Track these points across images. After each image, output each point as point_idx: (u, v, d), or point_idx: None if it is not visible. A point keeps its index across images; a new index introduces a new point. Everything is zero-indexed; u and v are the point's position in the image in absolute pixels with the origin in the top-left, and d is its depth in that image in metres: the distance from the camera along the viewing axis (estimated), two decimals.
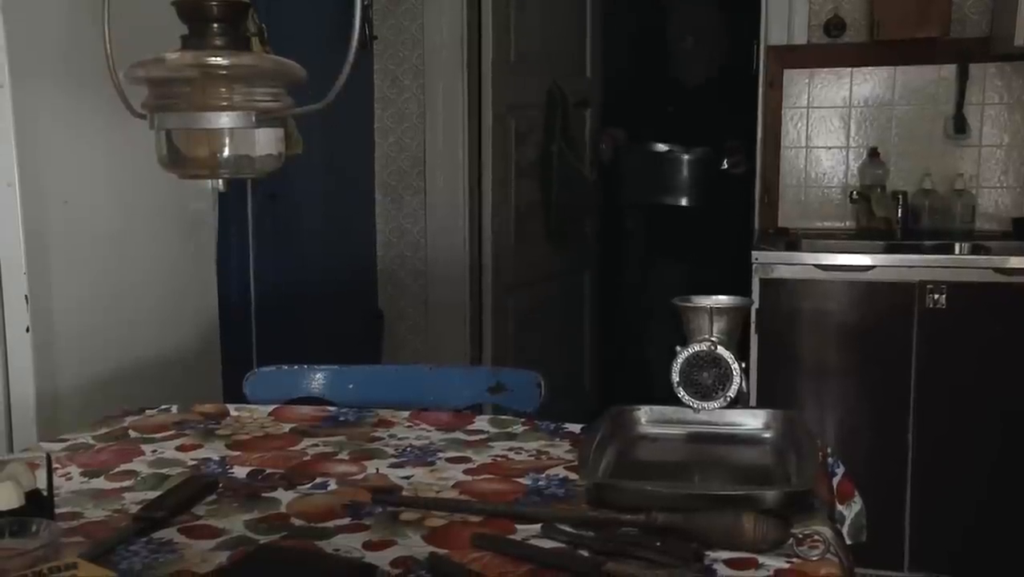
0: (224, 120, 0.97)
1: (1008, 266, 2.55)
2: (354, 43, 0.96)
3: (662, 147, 3.67)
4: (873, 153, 3.13)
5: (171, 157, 1.01)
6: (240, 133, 0.99)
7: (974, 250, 2.83)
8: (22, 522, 0.93)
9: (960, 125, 3.05)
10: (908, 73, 3.12)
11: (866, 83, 3.16)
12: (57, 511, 1.09)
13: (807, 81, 3.20)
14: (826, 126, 3.20)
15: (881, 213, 3.07)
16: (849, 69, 3.16)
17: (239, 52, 0.98)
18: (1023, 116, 3.05)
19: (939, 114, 3.10)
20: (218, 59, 0.97)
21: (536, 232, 3.69)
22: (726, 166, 3.42)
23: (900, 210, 3.03)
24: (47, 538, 0.91)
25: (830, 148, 3.21)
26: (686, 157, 3.60)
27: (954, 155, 3.10)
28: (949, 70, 3.06)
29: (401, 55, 3.46)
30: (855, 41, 3.13)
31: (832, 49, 3.15)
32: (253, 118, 0.97)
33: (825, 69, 3.18)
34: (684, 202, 3.62)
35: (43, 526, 0.93)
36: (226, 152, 0.99)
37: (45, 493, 1.05)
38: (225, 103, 0.97)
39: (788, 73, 3.20)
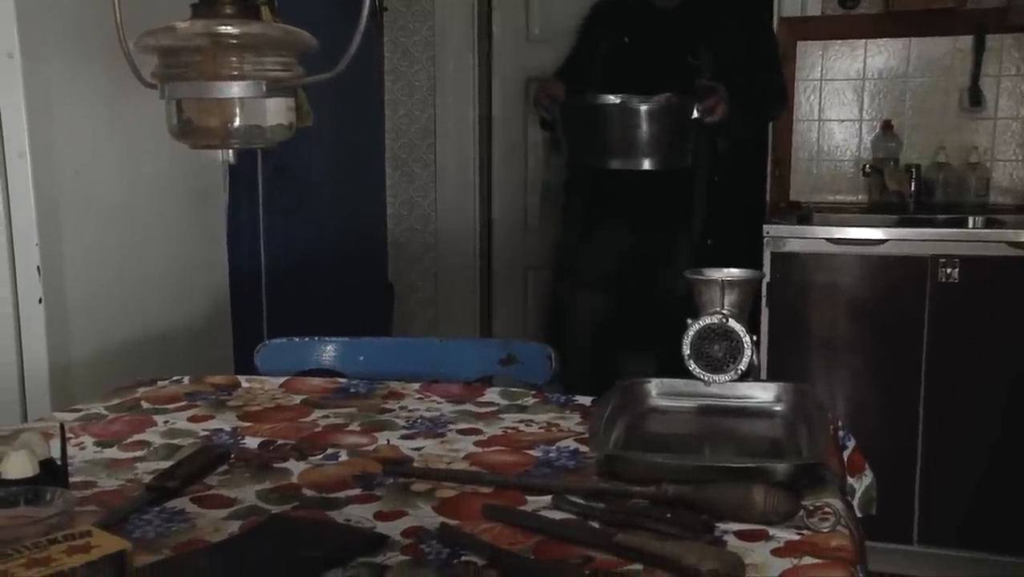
0: (235, 89, 0.96)
1: (1022, 240, 2.53)
2: (365, 12, 0.95)
3: (612, 99, 2.73)
4: (886, 126, 3.10)
5: (182, 127, 1.00)
6: (251, 103, 0.98)
7: (988, 224, 2.81)
8: (37, 490, 0.94)
9: (975, 97, 3.02)
10: (923, 44, 3.08)
11: (880, 55, 3.12)
12: (71, 480, 1.09)
13: (820, 53, 3.17)
14: (839, 99, 3.17)
15: (894, 187, 3.05)
16: (863, 41, 3.12)
17: (249, 21, 0.97)
18: None
19: (954, 86, 3.06)
20: (228, 28, 0.96)
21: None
22: (697, 114, 2.57)
23: (913, 184, 3.01)
24: (61, 506, 0.91)
25: (843, 121, 3.19)
26: (643, 108, 2.59)
27: (969, 128, 3.07)
28: (965, 41, 3.02)
29: (412, 26, 3.44)
30: (870, 12, 3.10)
31: (846, 20, 3.12)
32: (264, 87, 0.96)
33: (839, 41, 3.15)
34: (647, 165, 2.64)
35: (57, 494, 0.93)
36: (237, 122, 0.98)
37: (59, 462, 1.06)
38: (236, 72, 0.96)
39: (801, 45, 3.17)
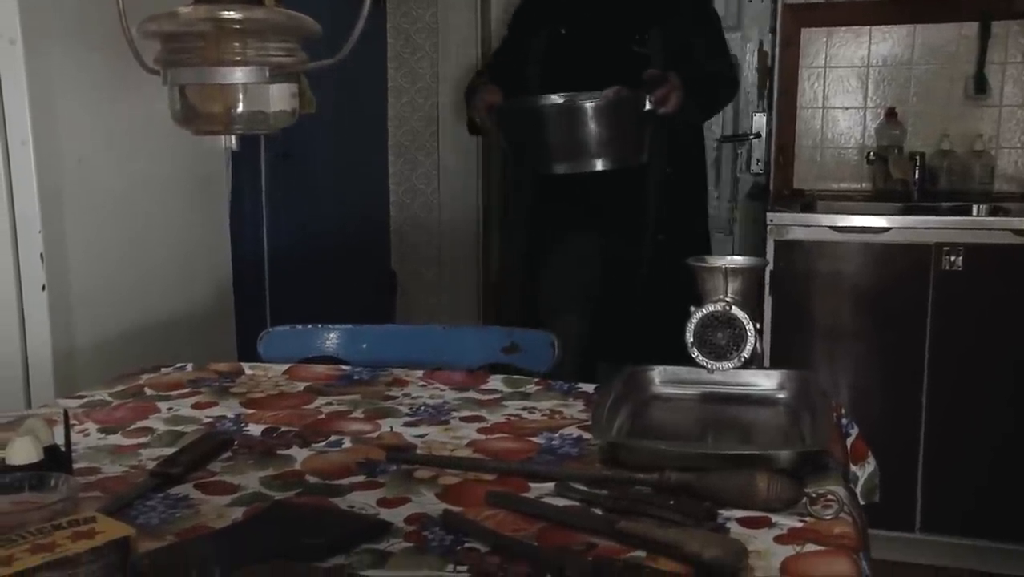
0: (238, 75, 0.96)
1: None
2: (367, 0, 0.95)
3: (554, 97, 2.52)
4: (891, 113, 3.09)
5: (184, 113, 1.00)
6: (254, 88, 0.98)
7: (992, 212, 2.80)
8: (41, 476, 0.94)
9: (980, 85, 3.00)
10: (928, 31, 3.07)
11: (885, 42, 3.11)
12: (75, 466, 1.09)
13: (825, 40, 3.16)
14: (843, 86, 3.16)
15: (898, 174, 3.04)
16: (868, 27, 3.11)
17: (252, 6, 0.97)
18: None
19: (959, 74, 3.05)
20: (231, 13, 0.95)
21: None
22: (650, 105, 2.34)
23: (917, 171, 3.00)
24: (65, 492, 0.91)
25: (847, 108, 3.17)
26: (590, 105, 2.35)
27: (973, 115, 3.06)
28: (970, 28, 3.01)
29: (415, 13, 3.43)
30: None
31: (850, 7, 3.11)
32: (267, 73, 0.96)
33: (843, 27, 3.13)
34: (599, 166, 2.38)
35: (61, 480, 0.94)
36: (240, 108, 0.98)
37: (63, 448, 1.06)
38: (239, 58, 0.96)
39: (806, 32, 3.16)
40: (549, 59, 2.61)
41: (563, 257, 2.67)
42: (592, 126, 2.37)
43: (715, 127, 3.39)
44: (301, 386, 1.49)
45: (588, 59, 2.55)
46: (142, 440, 1.25)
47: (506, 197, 2.94)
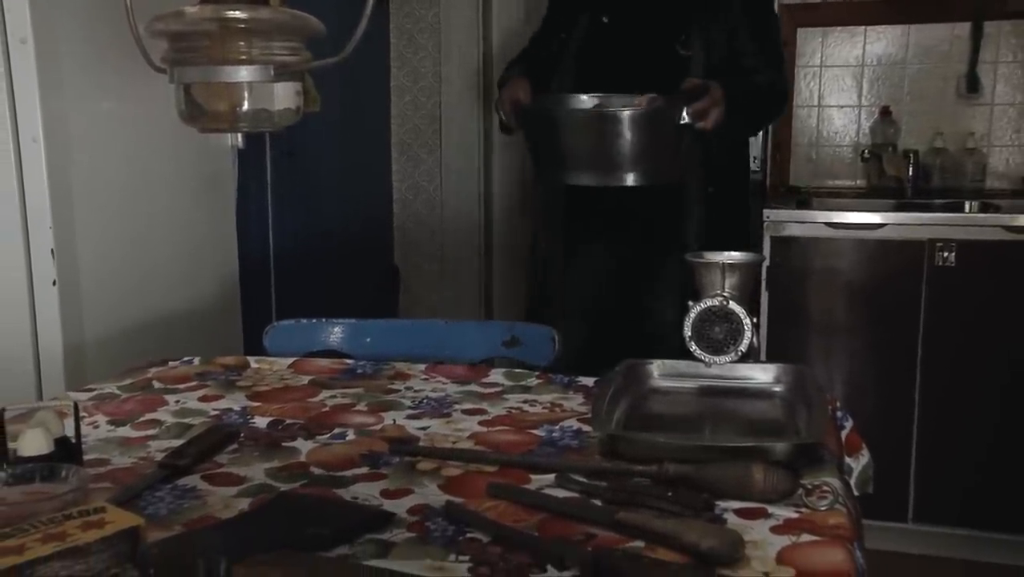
0: (243, 73, 0.96)
1: (1017, 224, 2.52)
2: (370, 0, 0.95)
3: (584, 100, 2.25)
4: (885, 112, 3.09)
5: (191, 111, 1.00)
6: (259, 87, 0.97)
7: (984, 208, 2.80)
8: (52, 467, 0.94)
9: (973, 84, 3.00)
10: (922, 31, 3.06)
11: (879, 41, 3.11)
12: (85, 458, 1.09)
13: (820, 39, 3.15)
14: (839, 85, 3.16)
15: (892, 172, 3.04)
16: (863, 27, 3.11)
17: (257, 6, 0.96)
18: None
19: (952, 73, 3.04)
20: (237, 13, 0.95)
21: None
22: (687, 119, 2.03)
23: (911, 169, 3.00)
24: (76, 483, 0.91)
25: (842, 107, 3.17)
26: (624, 114, 2.06)
27: (966, 114, 3.05)
28: (963, 28, 3.01)
29: (418, 13, 3.42)
30: None
31: (846, 7, 3.10)
32: (271, 72, 0.96)
33: (839, 27, 3.13)
34: (629, 181, 2.09)
35: (72, 471, 0.93)
36: (245, 106, 0.98)
37: (73, 440, 1.06)
38: (244, 57, 0.95)
39: (802, 31, 3.15)
40: (587, 51, 2.34)
41: (587, 272, 2.37)
42: (622, 137, 2.06)
43: None
44: (306, 379, 1.48)
45: (628, 55, 2.29)
46: (150, 432, 1.25)
47: (535, 200, 2.63)
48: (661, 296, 2.26)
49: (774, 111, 2.44)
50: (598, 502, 0.99)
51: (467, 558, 0.88)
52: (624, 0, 2.33)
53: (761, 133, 3.31)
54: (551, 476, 1.06)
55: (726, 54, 2.23)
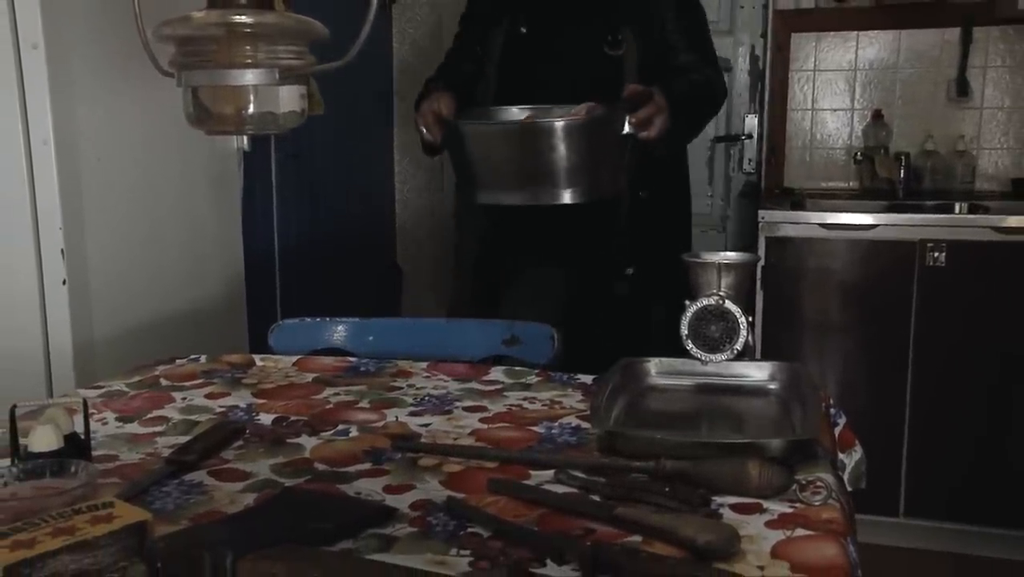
0: (249, 77, 0.95)
1: (1006, 225, 2.52)
2: (374, 3, 0.94)
3: (516, 112, 2.01)
4: (877, 115, 3.09)
5: (198, 114, 1.00)
6: (264, 90, 0.97)
7: (973, 210, 2.80)
8: (61, 463, 0.94)
9: (963, 88, 3.00)
10: (912, 36, 3.06)
11: (871, 46, 3.11)
12: (94, 453, 1.09)
13: (814, 44, 3.15)
14: (831, 89, 3.16)
15: (884, 174, 3.04)
16: (855, 33, 3.11)
17: (263, 10, 0.96)
18: None
19: (942, 77, 3.05)
20: (243, 17, 0.95)
21: None
22: (629, 128, 1.82)
23: (902, 171, 3.00)
24: (85, 478, 0.91)
25: (835, 110, 3.17)
26: (559, 126, 1.79)
27: (956, 117, 3.06)
28: (953, 33, 3.01)
29: (419, 18, 3.42)
30: (861, 5, 3.08)
31: (838, 13, 3.10)
32: (277, 75, 0.96)
33: (831, 33, 3.13)
34: (567, 198, 1.82)
35: (81, 467, 0.93)
36: (251, 109, 0.98)
37: (82, 436, 1.06)
38: (250, 60, 0.95)
39: (795, 37, 3.15)
40: (509, 63, 2.09)
41: (519, 292, 2.11)
42: (560, 151, 1.77)
43: (709, 128, 3.36)
44: (310, 377, 1.48)
45: (553, 63, 2.06)
46: (158, 429, 1.25)
47: (457, 225, 2.35)
48: (589, 312, 2.03)
49: (711, 111, 2.18)
50: (597, 497, 0.99)
51: (468, 552, 0.87)
52: (541, 6, 2.09)
53: (755, 136, 3.32)
54: (550, 472, 1.05)
55: (657, 51, 2.02)
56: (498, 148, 1.89)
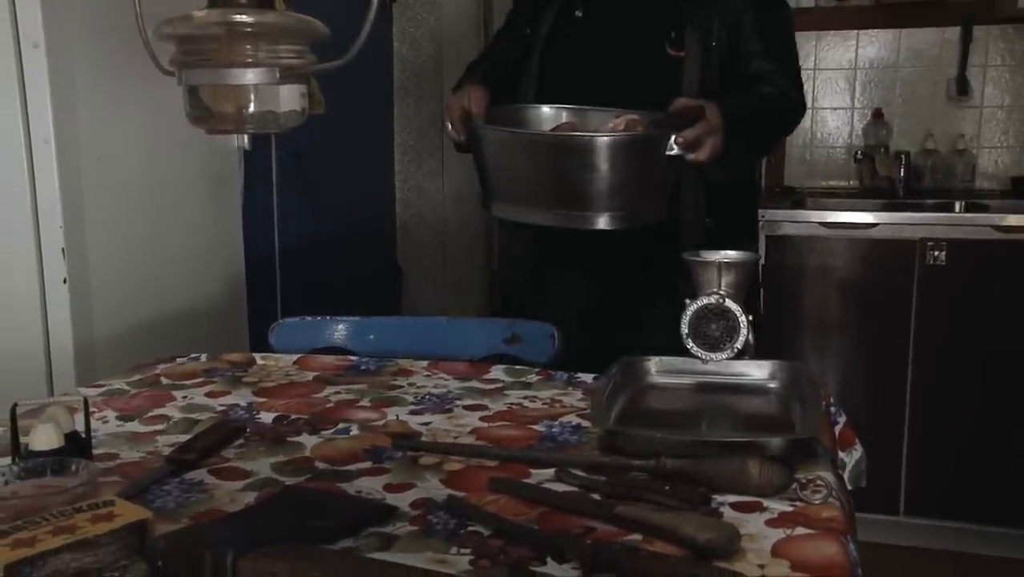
0: (249, 76, 0.95)
1: (1006, 224, 2.52)
2: (375, 2, 0.94)
3: (548, 113, 1.78)
4: (877, 114, 3.09)
5: (198, 113, 1.00)
6: (265, 89, 0.97)
7: (973, 208, 2.80)
8: (62, 462, 0.94)
9: (962, 87, 3.00)
10: (913, 35, 3.06)
11: (871, 45, 3.10)
12: (94, 452, 1.09)
13: (814, 43, 3.15)
14: (832, 87, 3.16)
15: (884, 172, 3.04)
16: (855, 32, 3.11)
17: (263, 10, 0.96)
18: None
19: (942, 76, 3.05)
20: (243, 16, 0.95)
21: None
22: (675, 149, 1.57)
23: (902, 169, 3.00)
24: (85, 477, 0.91)
25: (836, 109, 3.17)
26: (593, 141, 1.57)
27: (956, 116, 3.05)
28: (953, 32, 3.00)
29: (420, 17, 3.42)
30: (861, 4, 3.07)
31: (839, 12, 3.10)
32: (277, 74, 0.96)
33: (832, 31, 3.13)
34: (602, 224, 1.58)
35: (82, 466, 0.93)
36: (251, 108, 0.98)
37: (83, 435, 1.05)
38: (250, 59, 0.95)
39: (796, 36, 3.14)
40: (556, 51, 1.84)
41: (561, 315, 1.75)
42: (593, 171, 1.54)
43: None
44: (310, 376, 1.48)
45: (604, 56, 1.81)
46: (158, 427, 1.24)
47: (501, 224, 2.09)
48: (651, 344, 1.60)
49: (784, 131, 1.94)
50: (597, 496, 0.99)
51: (468, 551, 0.87)
52: None
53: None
54: (551, 471, 1.05)
55: (727, 56, 1.77)
56: (522, 160, 1.65)
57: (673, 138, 1.57)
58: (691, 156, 1.60)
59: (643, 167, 1.59)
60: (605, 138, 1.57)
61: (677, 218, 1.73)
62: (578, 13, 1.84)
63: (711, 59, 1.76)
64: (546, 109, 1.79)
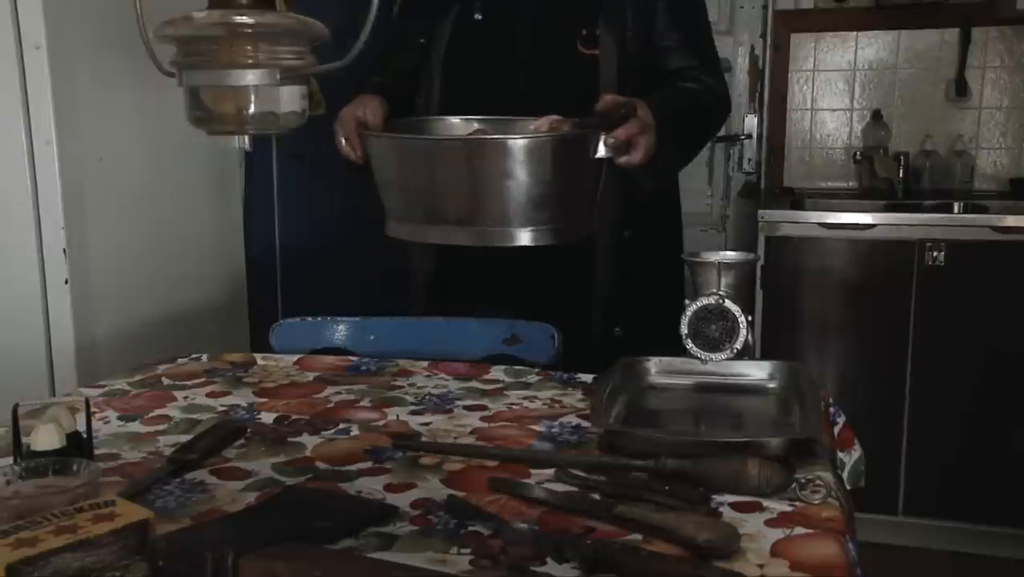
0: (250, 77, 0.95)
1: (1005, 225, 2.52)
2: (375, 4, 0.94)
3: (457, 123, 1.60)
4: (876, 115, 3.09)
5: (199, 114, 1.00)
6: (265, 90, 0.97)
7: (972, 209, 2.80)
8: (64, 462, 0.94)
9: (961, 88, 3.00)
10: (912, 37, 3.06)
11: (870, 47, 3.10)
12: (96, 452, 1.09)
13: (813, 45, 3.15)
14: (831, 89, 3.16)
15: (883, 173, 3.03)
16: (854, 33, 3.10)
17: (264, 11, 0.96)
18: (1023, 79, 2.99)
19: (941, 77, 3.04)
20: (244, 17, 0.95)
21: None
22: (604, 151, 1.40)
23: (901, 171, 3.00)
24: (87, 477, 0.91)
25: (835, 110, 3.17)
26: (518, 144, 1.35)
27: (955, 117, 3.05)
28: (951, 34, 3.00)
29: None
30: (860, 5, 3.07)
31: (838, 13, 3.10)
32: (277, 75, 0.96)
33: (831, 33, 3.13)
34: (523, 240, 1.39)
35: (83, 466, 0.93)
36: (252, 109, 0.98)
37: (84, 435, 1.05)
38: (250, 61, 0.95)
39: (795, 37, 3.15)
40: (458, 59, 1.68)
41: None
42: (510, 179, 1.33)
43: None
44: (311, 376, 1.48)
45: (512, 61, 1.66)
46: (160, 427, 1.24)
47: (408, 262, 1.88)
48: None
49: (711, 128, 1.76)
50: (597, 496, 0.99)
51: (468, 550, 0.87)
52: None
53: (755, 136, 3.32)
54: (551, 471, 1.05)
55: (643, 50, 1.63)
56: (430, 171, 1.41)
57: (602, 138, 1.39)
58: (623, 159, 1.43)
59: (569, 172, 1.38)
60: (523, 140, 1.37)
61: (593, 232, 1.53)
62: (477, 16, 1.67)
63: (627, 56, 1.61)
64: (455, 120, 1.61)
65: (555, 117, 1.43)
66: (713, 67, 1.70)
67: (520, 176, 1.34)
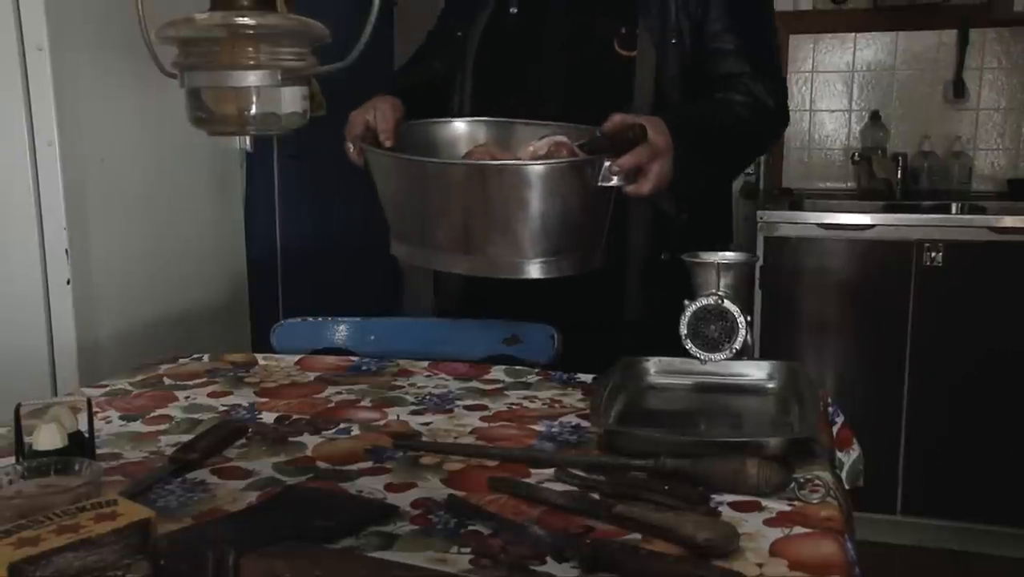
0: (251, 78, 0.95)
1: (1002, 225, 2.52)
2: (375, 5, 0.95)
3: (460, 127, 1.51)
4: (875, 116, 3.09)
5: (201, 115, 1.00)
6: (267, 91, 0.97)
7: (970, 210, 2.80)
8: (66, 461, 0.94)
9: (959, 89, 3.00)
10: (910, 38, 3.06)
11: (869, 48, 3.10)
12: (98, 452, 1.09)
13: (812, 46, 3.15)
14: (829, 90, 3.16)
15: (881, 174, 3.04)
16: (852, 34, 3.11)
17: (265, 12, 0.96)
18: (1020, 80, 2.99)
19: (939, 78, 3.05)
20: (245, 19, 0.95)
21: None
22: (613, 180, 1.24)
23: (900, 171, 3.00)
24: (89, 476, 0.91)
25: (833, 111, 3.17)
26: (531, 173, 1.21)
27: (953, 118, 3.06)
28: (949, 35, 3.01)
29: (421, 20, 3.42)
30: (859, 7, 3.08)
31: (836, 15, 3.10)
32: (279, 76, 0.96)
33: (829, 34, 3.13)
34: (534, 272, 1.27)
35: (85, 465, 0.93)
36: (253, 110, 0.98)
37: (86, 435, 1.05)
38: (252, 62, 0.95)
39: (794, 38, 3.15)
40: (490, 55, 1.60)
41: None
42: (530, 205, 1.21)
43: None
44: (312, 376, 1.48)
45: (545, 59, 1.56)
46: (161, 427, 1.24)
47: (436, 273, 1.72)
48: None
49: (757, 146, 1.64)
50: (596, 496, 0.99)
51: (469, 550, 0.87)
52: None
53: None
54: (551, 470, 1.05)
55: (692, 54, 1.49)
56: (421, 192, 1.32)
57: (607, 165, 1.24)
58: (630, 188, 1.28)
59: (564, 203, 1.24)
60: (513, 166, 1.23)
61: (624, 255, 1.48)
62: (513, 10, 1.56)
63: (669, 60, 1.48)
64: (460, 124, 1.50)
65: (558, 138, 1.30)
66: (766, 73, 1.51)
67: (534, 203, 1.22)
